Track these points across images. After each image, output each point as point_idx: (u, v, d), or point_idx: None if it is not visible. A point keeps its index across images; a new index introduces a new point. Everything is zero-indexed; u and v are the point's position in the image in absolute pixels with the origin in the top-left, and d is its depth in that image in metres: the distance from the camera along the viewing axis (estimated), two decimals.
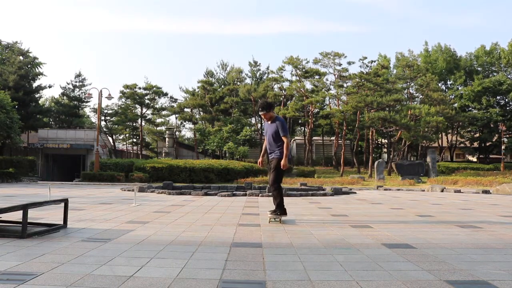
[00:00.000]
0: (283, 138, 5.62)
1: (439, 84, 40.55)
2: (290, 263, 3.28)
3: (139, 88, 36.77)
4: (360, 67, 42.40)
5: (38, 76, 34.50)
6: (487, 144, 39.38)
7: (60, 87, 42.87)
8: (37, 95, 35.09)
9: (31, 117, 31.23)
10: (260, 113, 5.82)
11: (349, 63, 38.00)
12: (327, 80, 35.97)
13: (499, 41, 64.56)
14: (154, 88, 37.02)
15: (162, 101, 47.53)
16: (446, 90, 42.28)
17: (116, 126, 38.34)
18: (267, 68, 45.31)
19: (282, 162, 5.53)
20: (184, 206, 8.25)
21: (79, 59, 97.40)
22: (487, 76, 41.19)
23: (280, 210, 5.71)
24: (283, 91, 35.91)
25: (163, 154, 35.72)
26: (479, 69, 43.43)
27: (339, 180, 22.28)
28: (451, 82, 43.47)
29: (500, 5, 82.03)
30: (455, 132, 39.27)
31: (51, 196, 8.58)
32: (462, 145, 41.32)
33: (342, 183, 20.32)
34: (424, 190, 16.58)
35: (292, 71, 35.55)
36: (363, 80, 32.78)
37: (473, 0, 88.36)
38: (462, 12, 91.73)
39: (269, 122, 5.79)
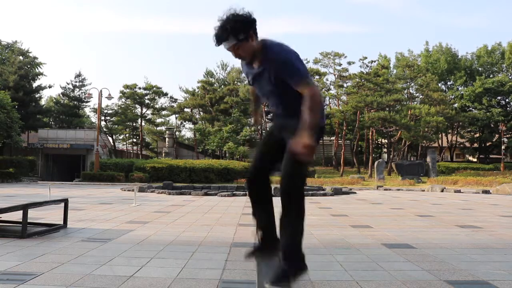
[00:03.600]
0: (301, 88, 2.16)
1: (439, 84, 40.51)
2: None
3: (139, 88, 36.75)
4: (360, 67, 42.32)
5: (38, 76, 34.47)
6: (487, 144, 39.35)
7: (60, 87, 42.91)
8: (37, 95, 35.02)
9: (31, 117, 31.17)
10: (225, 46, 2.21)
11: (349, 63, 37.84)
12: (327, 80, 36.02)
13: (502, 41, 64.48)
14: (154, 88, 37.01)
15: (162, 101, 47.39)
16: (447, 90, 42.24)
17: (116, 126, 38.33)
18: None
19: (303, 140, 2.05)
20: (184, 206, 8.25)
21: (79, 59, 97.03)
22: (488, 76, 41.14)
23: (296, 263, 2.19)
24: None
25: (163, 154, 35.70)
26: (479, 69, 43.38)
27: (339, 180, 22.27)
28: (451, 83, 43.42)
29: (502, 5, 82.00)
30: (455, 132, 39.24)
31: (51, 196, 8.59)
32: (462, 145, 41.29)
33: (342, 183, 20.31)
34: (424, 190, 16.58)
35: None
36: (363, 80, 32.78)
37: (474, 0, 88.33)
38: (463, 12, 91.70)
39: (255, 65, 2.31)
